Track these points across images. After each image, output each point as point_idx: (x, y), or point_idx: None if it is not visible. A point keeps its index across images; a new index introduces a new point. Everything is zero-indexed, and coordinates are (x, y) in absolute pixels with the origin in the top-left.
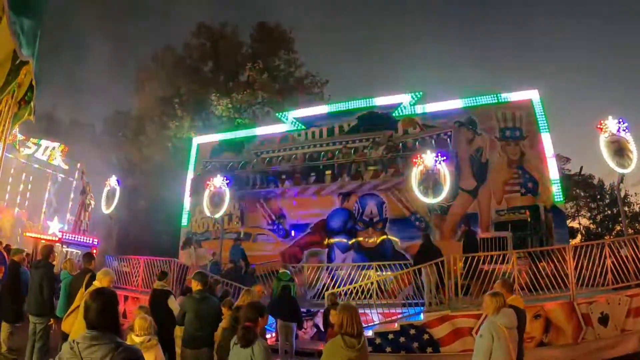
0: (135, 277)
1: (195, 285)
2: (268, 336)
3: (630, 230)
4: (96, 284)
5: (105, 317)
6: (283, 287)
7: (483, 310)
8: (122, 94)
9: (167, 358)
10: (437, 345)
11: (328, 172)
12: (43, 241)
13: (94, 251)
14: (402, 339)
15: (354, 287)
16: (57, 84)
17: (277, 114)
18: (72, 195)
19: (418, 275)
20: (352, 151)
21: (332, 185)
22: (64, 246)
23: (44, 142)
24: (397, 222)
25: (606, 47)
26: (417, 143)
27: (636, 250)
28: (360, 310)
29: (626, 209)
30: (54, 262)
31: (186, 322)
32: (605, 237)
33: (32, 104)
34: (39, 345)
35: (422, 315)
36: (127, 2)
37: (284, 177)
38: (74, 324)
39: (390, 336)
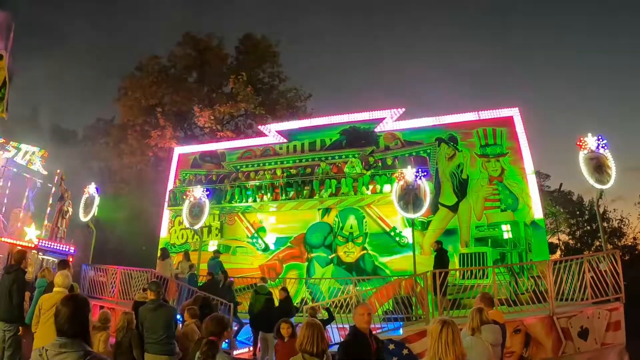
0: (112, 287)
1: (150, 295)
2: (245, 350)
3: (609, 246)
4: (57, 289)
5: (74, 323)
6: (267, 299)
7: (468, 325)
8: (105, 101)
9: None
10: None
11: (307, 187)
12: (19, 247)
13: (70, 259)
14: None
15: (333, 302)
16: (40, 89)
17: (259, 127)
18: (50, 202)
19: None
20: (331, 168)
21: (310, 200)
22: (40, 253)
23: (24, 147)
24: (376, 237)
25: (586, 64)
26: (395, 159)
27: (615, 265)
28: (339, 325)
29: (605, 224)
30: (27, 269)
31: (144, 330)
32: (585, 253)
33: (4, 100)
34: (9, 353)
35: (401, 330)
36: (113, 8)
37: (262, 192)
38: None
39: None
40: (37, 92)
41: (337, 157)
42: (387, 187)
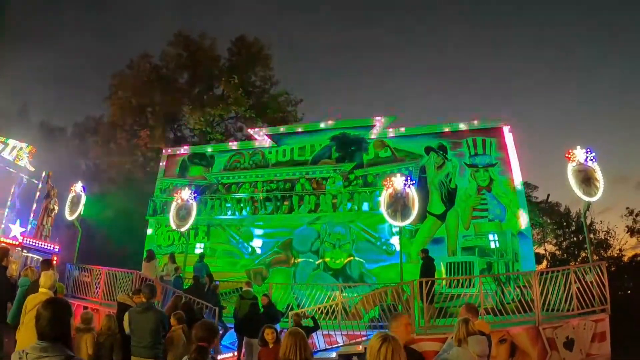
0: (96, 288)
1: (136, 298)
2: (229, 355)
3: (595, 257)
4: (42, 290)
5: (56, 327)
6: (252, 304)
7: (454, 336)
8: (95, 99)
9: None
10: None
11: (286, 202)
12: (1, 244)
13: (55, 258)
14: None
15: (319, 308)
16: (29, 84)
17: (249, 130)
18: (36, 199)
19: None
20: (310, 184)
21: (288, 216)
22: (24, 251)
23: (12, 142)
24: (363, 244)
25: (575, 75)
26: (376, 177)
27: (601, 276)
28: (325, 332)
29: (592, 236)
30: (12, 266)
31: (131, 333)
32: (571, 263)
33: None
34: None
35: None
36: (107, 6)
37: (241, 205)
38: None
39: (354, 359)
40: (26, 87)
41: (317, 172)
42: (365, 206)
